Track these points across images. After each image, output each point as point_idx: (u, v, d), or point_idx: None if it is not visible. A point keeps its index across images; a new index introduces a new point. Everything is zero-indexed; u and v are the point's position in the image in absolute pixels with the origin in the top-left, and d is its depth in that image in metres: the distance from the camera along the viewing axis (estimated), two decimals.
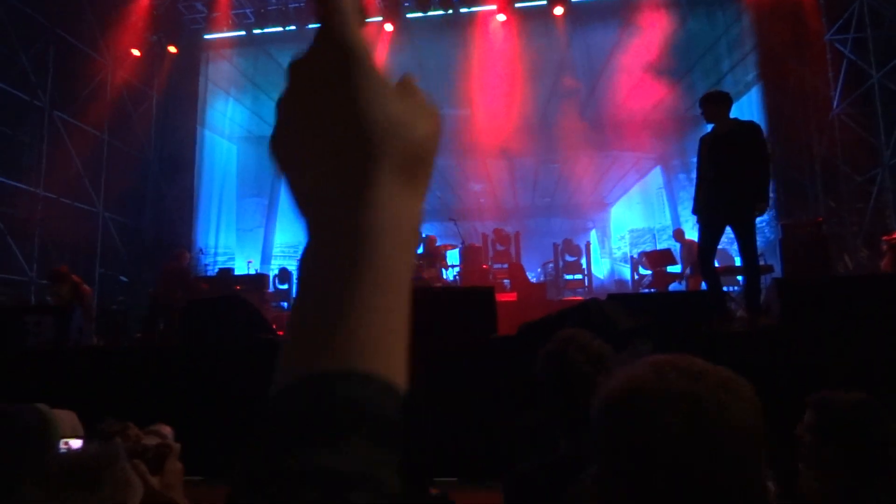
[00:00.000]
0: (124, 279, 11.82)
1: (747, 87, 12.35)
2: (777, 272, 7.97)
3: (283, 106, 0.42)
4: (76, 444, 1.56)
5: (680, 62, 12.29)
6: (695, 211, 5.50)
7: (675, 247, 10.51)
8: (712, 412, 0.78)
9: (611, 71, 12.65)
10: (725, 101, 5.30)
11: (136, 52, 11.94)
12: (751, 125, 5.34)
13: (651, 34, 12.13)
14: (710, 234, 5.28)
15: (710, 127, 5.56)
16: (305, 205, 0.40)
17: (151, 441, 1.69)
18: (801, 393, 1.86)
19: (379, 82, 0.40)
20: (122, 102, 12.39)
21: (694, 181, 5.71)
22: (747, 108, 12.40)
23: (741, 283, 9.16)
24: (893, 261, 7.47)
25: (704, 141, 5.45)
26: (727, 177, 5.05)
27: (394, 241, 0.37)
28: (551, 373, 1.65)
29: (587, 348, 1.63)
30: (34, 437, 1.55)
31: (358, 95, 0.38)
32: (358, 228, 0.36)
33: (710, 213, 5.21)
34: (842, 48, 11.02)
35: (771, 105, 11.96)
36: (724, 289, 8.85)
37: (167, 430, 1.85)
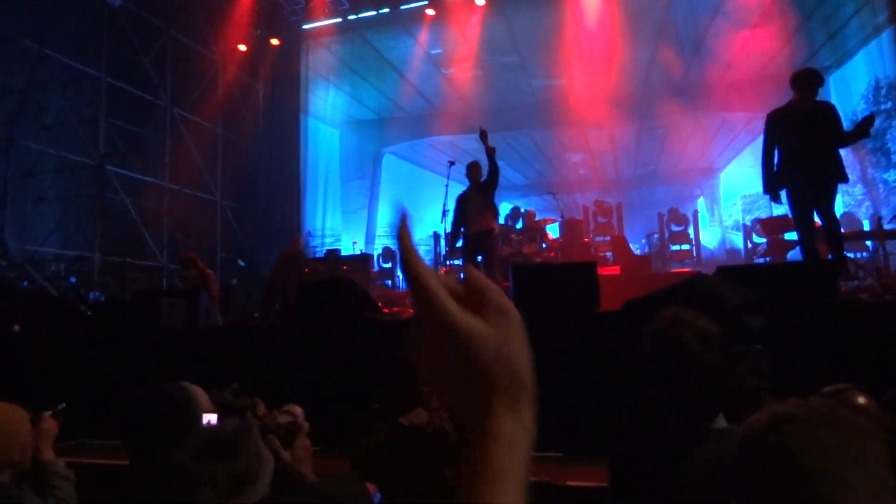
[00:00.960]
0: (242, 262, 12.64)
1: (876, 31, 11.18)
2: None
3: (412, 354, 0.51)
4: (213, 418, 1.74)
5: (795, 9, 11.33)
6: (769, 190, 5.42)
7: None
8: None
9: (716, 27, 11.87)
10: (820, 81, 5.32)
11: (242, 48, 12.61)
12: (830, 106, 5.39)
13: None
14: (803, 211, 5.30)
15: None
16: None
17: (284, 419, 1.85)
18: None
19: (476, 332, 0.48)
20: (231, 96, 13.18)
21: None
22: (877, 55, 11.25)
23: (871, 248, 8.46)
24: None
25: (781, 118, 5.39)
26: (814, 154, 5.15)
27: (512, 459, 0.47)
28: (657, 352, 1.63)
29: (694, 327, 1.60)
30: (183, 411, 1.75)
31: (469, 351, 0.48)
32: (486, 455, 0.47)
33: (800, 189, 5.25)
34: None
35: None
36: (851, 255, 8.23)
37: (298, 410, 2.01)
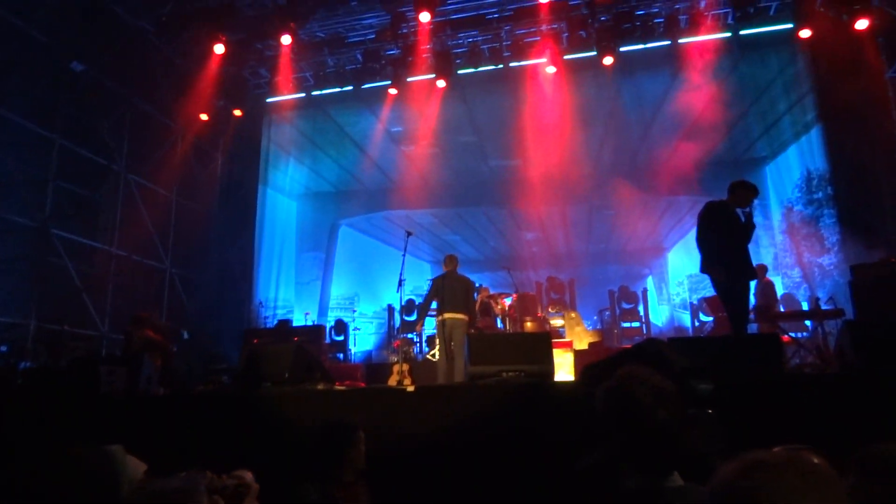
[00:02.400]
0: (186, 334, 12.23)
1: (806, 128, 12.07)
2: (849, 316, 7.58)
3: None
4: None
5: (734, 106, 12.16)
6: (710, 267, 6.02)
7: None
8: None
9: (663, 117, 12.61)
10: (756, 191, 6.19)
11: (204, 117, 12.67)
12: (751, 215, 6.21)
13: (703, 79, 12.08)
14: (731, 294, 5.97)
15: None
16: None
17: (231, 482, 1.76)
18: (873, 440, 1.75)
19: None
20: (189, 164, 13.13)
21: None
22: (807, 149, 12.09)
23: (810, 328, 8.76)
24: None
25: (721, 209, 6.15)
26: (737, 248, 5.98)
27: None
28: (613, 408, 1.63)
29: (647, 383, 1.62)
30: (102, 476, 1.61)
31: None
32: None
33: (733, 272, 5.91)
34: None
35: (832, 145, 11.62)
36: (793, 334, 8.51)
37: (248, 475, 1.92)
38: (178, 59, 12.44)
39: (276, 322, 12.15)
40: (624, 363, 2.15)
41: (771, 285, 9.74)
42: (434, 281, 7.98)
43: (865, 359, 3.72)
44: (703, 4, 11.05)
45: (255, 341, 8.63)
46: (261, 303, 13.36)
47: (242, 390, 4.68)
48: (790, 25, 11.31)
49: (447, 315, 7.55)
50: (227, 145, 14.22)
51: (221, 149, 14.20)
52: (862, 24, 10.03)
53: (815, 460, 1.67)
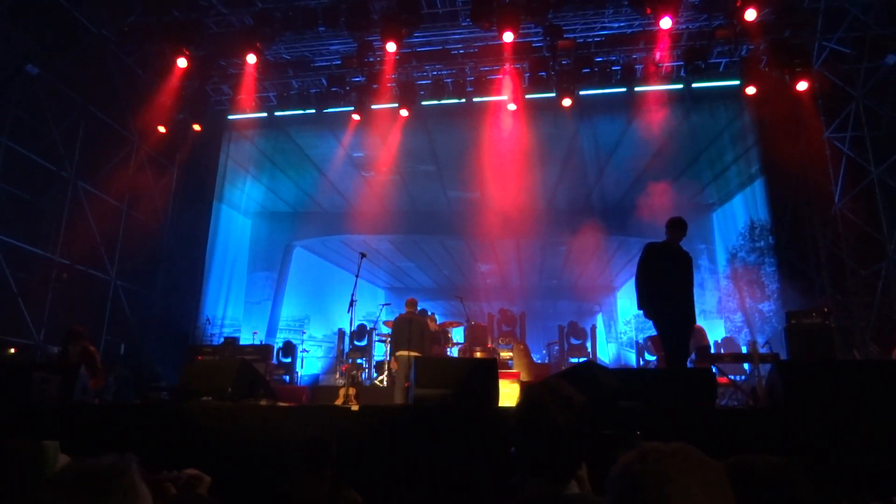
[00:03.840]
0: (122, 348, 11.85)
1: (751, 179, 12.68)
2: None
3: None
4: None
5: (685, 152, 12.70)
6: (645, 304, 6.35)
7: None
8: None
9: (617, 159, 13.06)
10: (686, 228, 6.49)
11: (162, 129, 12.48)
12: (689, 257, 6.58)
13: (656, 126, 12.60)
14: (669, 327, 6.25)
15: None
16: None
17: (184, 474, 1.77)
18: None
19: None
20: (143, 176, 12.85)
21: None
22: (751, 199, 12.68)
23: (747, 370, 9.06)
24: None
25: (658, 249, 6.51)
26: (677, 286, 6.21)
27: None
28: (520, 415, 1.70)
29: (555, 392, 1.68)
30: (23, 462, 1.60)
31: None
32: None
33: (664, 310, 6.20)
34: (840, 146, 11.37)
35: (774, 197, 12.23)
36: (731, 377, 8.78)
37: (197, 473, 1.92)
38: (140, 69, 12.30)
39: (222, 340, 11.88)
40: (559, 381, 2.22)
41: (700, 331, 10.04)
42: (399, 322, 8.56)
43: (793, 396, 3.90)
44: (657, 56, 11.57)
45: (199, 357, 8.42)
46: (208, 320, 13.06)
47: (182, 403, 4.57)
48: (738, 82, 11.93)
49: (412, 352, 7.96)
50: (183, 159, 13.99)
51: (177, 162, 13.97)
52: (802, 86, 10.67)
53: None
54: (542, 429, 1.62)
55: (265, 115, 13.85)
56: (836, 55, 11.12)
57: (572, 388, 1.72)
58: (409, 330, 8.20)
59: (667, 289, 6.17)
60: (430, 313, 11.13)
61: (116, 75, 11.85)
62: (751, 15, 9.53)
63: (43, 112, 10.57)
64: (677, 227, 6.44)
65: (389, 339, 10.01)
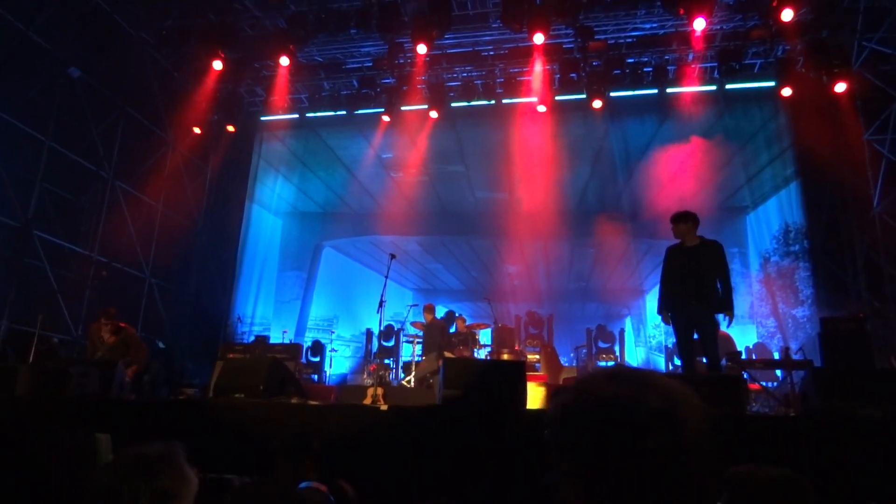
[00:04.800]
0: (161, 344, 12.10)
1: (786, 182, 12.43)
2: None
3: None
4: None
5: (718, 154, 12.51)
6: (661, 310, 6.33)
7: None
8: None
9: (648, 161, 12.91)
10: (693, 219, 6.28)
11: (196, 130, 12.75)
12: (714, 244, 6.24)
13: (689, 128, 12.44)
14: (683, 332, 6.16)
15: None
16: None
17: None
18: (829, 483, 1.85)
19: None
20: (178, 175, 13.15)
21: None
22: (786, 202, 12.42)
23: (780, 377, 8.90)
24: None
25: (670, 252, 6.41)
26: (694, 286, 6.02)
27: None
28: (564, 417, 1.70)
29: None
30: (81, 452, 1.70)
31: None
32: None
33: (680, 314, 6.13)
34: (880, 148, 11.09)
35: (810, 200, 11.97)
36: (763, 384, 8.63)
37: None
38: (176, 71, 12.58)
39: (252, 338, 12.07)
40: None
41: (727, 338, 9.86)
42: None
43: (827, 401, 3.84)
44: (690, 57, 11.43)
45: (231, 355, 8.58)
46: (239, 318, 13.30)
47: (215, 399, 4.68)
48: (773, 83, 11.71)
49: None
50: (217, 160, 14.27)
51: (211, 163, 14.25)
52: (841, 87, 10.44)
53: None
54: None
55: (297, 116, 14.04)
56: (877, 55, 10.83)
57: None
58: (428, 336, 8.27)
59: (680, 291, 6.09)
60: (458, 315, 11.17)
61: (153, 77, 12.14)
62: (787, 15, 9.36)
63: (83, 113, 10.88)
64: (673, 222, 6.33)
65: (418, 339, 10.11)
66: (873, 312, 10.70)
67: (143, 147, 12.32)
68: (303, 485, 2.83)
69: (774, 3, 9.32)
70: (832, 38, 10.60)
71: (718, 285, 6.15)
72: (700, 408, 0.98)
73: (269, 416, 4.10)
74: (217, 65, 11.42)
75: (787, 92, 11.26)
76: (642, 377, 1.00)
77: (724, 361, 9.07)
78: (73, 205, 11.38)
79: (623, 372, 1.02)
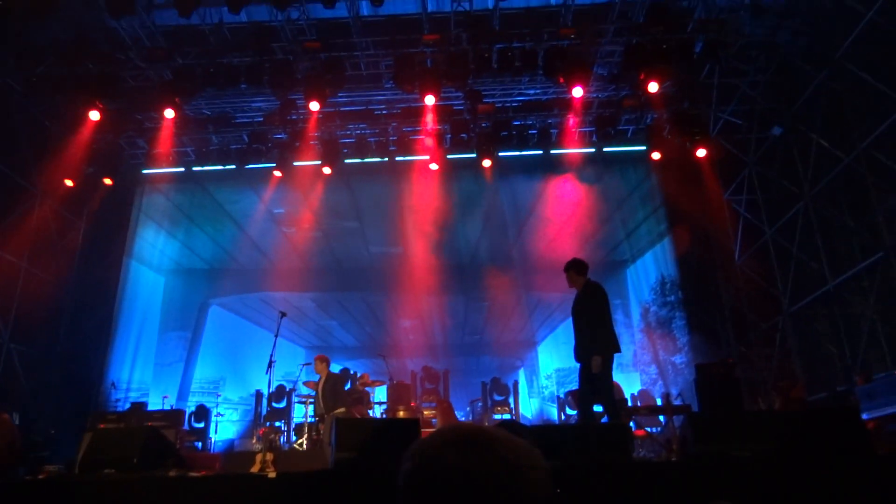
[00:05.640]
0: (16, 418, 10.86)
1: (661, 237, 13.42)
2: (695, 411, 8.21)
3: None
4: None
5: (599, 211, 13.32)
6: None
7: None
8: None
9: (535, 218, 13.54)
10: (573, 267, 6.64)
11: (69, 183, 11.90)
12: (586, 286, 6.58)
13: (571, 186, 13.22)
14: (579, 378, 6.35)
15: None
16: None
17: None
18: None
19: None
20: (46, 230, 12.12)
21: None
22: (661, 255, 13.39)
23: (663, 422, 9.36)
24: (783, 403, 8.48)
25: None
26: (576, 331, 6.41)
27: None
28: None
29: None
30: None
31: None
32: None
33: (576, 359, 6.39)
34: (738, 207, 12.30)
35: (680, 254, 12.96)
36: (648, 429, 9.04)
37: None
38: (47, 121, 11.78)
39: (128, 405, 11.12)
40: None
41: (615, 386, 10.33)
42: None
43: (703, 446, 4.08)
44: (570, 122, 12.24)
45: (102, 425, 7.85)
46: (113, 384, 12.22)
47: (80, 476, 4.23)
48: (644, 147, 12.75)
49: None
50: (91, 214, 13.29)
51: (85, 217, 13.26)
52: (701, 153, 11.55)
53: None
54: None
55: (182, 169, 13.49)
56: (730, 126, 12.14)
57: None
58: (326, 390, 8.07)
59: (575, 338, 6.45)
60: (352, 372, 10.93)
61: (21, 126, 11.29)
62: (653, 87, 10.29)
63: None
64: (566, 267, 6.71)
65: (310, 400, 9.73)
66: (741, 357, 11.61)
67: (6, 200, 11.30)
68: None
69: (642, 76, 10.23)
70: (692, 109, 11.77)
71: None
72: (545, 468, 1.00)
73: (144, 492, 3.76)
74: (94, 115, 10.80)
75: (656, 156, 12.29)
76: (485, 441, 1.00)
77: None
78: None
79: (463, 437, 1.02)
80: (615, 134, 12.46)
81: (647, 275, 13.53)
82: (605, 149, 13.09)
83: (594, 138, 12.79)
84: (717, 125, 12.24)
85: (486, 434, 1.04)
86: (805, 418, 5.00)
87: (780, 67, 10.92)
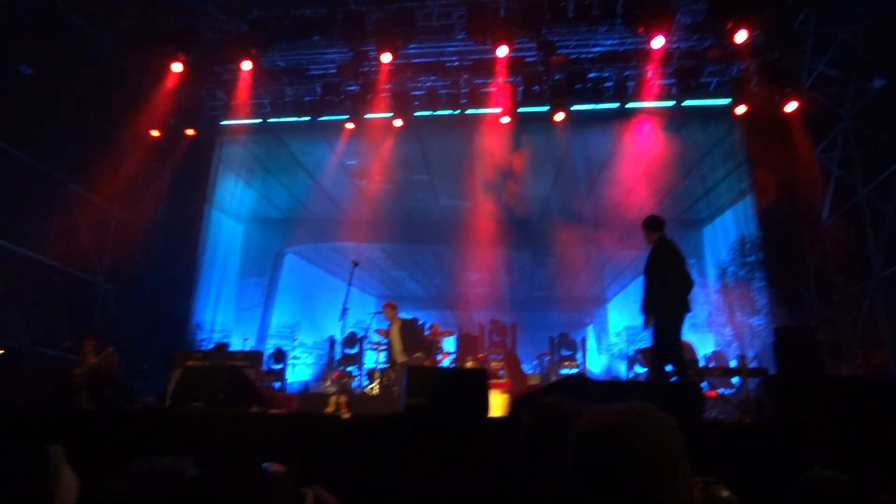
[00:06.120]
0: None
1: (742, 195, 12.81)
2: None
3: None
4: None
5: (676, 168, 12.82)
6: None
7: None
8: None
9: (609, 173, 13.16)
10: (647, 224, 6.64)
11: (154, 133, 12.46)
12: (657, 243, 6.50)
13: (648, 141, 12.73)
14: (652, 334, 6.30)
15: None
16: None
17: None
18: (785, 483, 1.91)
19: None
20: (135, 178, 12.79)
21: None
22: (742, 214, 12.81)
23: (736, 384, 9.14)
24: (867, 370, 8.14)
25: None
26: (646, 288, 6.35)
27: None
28: (539, 425, 1.73)
29: (572, 403, 1.73)
30: (32, 465, 1.65)
31: None
32: None
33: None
34: (829, 165, 11.53)
35: (763, 214, 12.35)
36: (720, 391, 8.85)
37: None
38: (134, 73, 12.26)
39: (212, 345, 11.81)
40: (550, 394, 2.27)
41: (687, 346, 10.09)
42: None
43: (780, 411, 3.95)
44: (649, 74, 11.71)
45: (189, 363, 8.38)
46: (198, 325, 13.00)
47: (172, 408, 4.56)
48: (728, 101, 12.08)
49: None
50: (175, 163, 13.93)
51: (169, 166, 13.91)
52: (791, 107, 10.83)
53: (725, 493, 1.84)
54: (558, 435, 1.68)
55: (259, 121, 13.84)
56: (825, 77, 11.29)
57: (578, 403, 1.77)
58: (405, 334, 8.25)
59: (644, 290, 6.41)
60: (425, 323, 11.14)
61: (110, 78, 11.83)
62: (741, 36, 9.67)
63: (35, 112, 10.52)
64: (643, 224, 6.68)
65: (381, 347, 10.03)
66: (824, 321, 11.09)
67: (97, 149, 11.95)
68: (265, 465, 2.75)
69: (729, 25, 9.62)
70: (783, 60, 11.00)
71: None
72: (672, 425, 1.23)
73: (229, 426, 4.01)
74: (176, 67, 11.20)
75: (741, 110, 11.63)
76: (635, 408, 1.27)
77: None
78: (24, 207, 10.97)
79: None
80: (697, 86, 11.82)
81: (725, 234, 13.00)
82: (685, 102, 12.49)
83: (674, 91, 12.20)
84: (809, 77, 11.41)
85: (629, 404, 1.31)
86: (889, 386, 4.75)
87: (884, 14, 10.00)
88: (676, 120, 12.78)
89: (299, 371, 12.38)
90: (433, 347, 10.01)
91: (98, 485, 2.01)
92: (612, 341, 13.29)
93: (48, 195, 11.16)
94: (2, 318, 9.88)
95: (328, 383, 10.90)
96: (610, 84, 12.15)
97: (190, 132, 13.15)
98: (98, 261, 11.97)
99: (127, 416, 4.90)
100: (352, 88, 12.60)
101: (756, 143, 12.24)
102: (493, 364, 10.49)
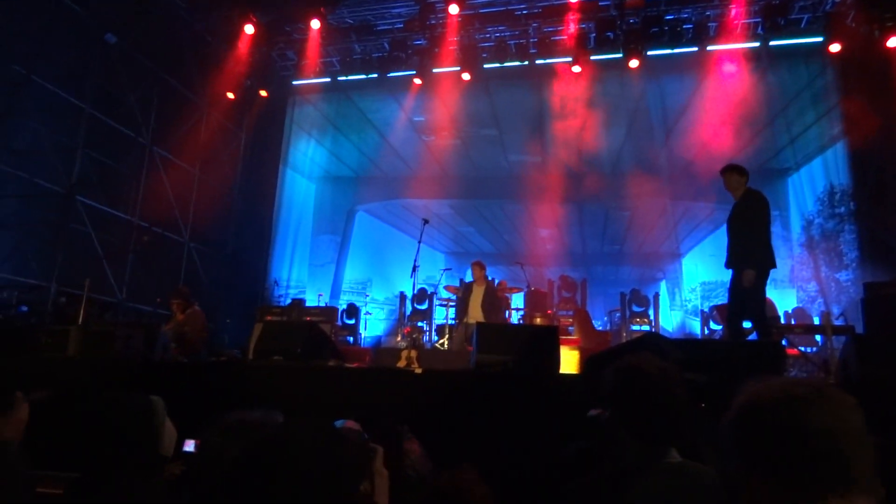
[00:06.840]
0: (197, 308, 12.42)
1: (833, 141, 11.96)
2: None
3: None
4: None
5: (760, 114, 12.08)
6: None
7: None
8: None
9: (686, 122, 12.56)
10: (729, 171, 6.13)
11: (230, 96, 12.84)
12: (747, 195, 5.99)
13: (729, 86, 12.03)
14: (729, 292, 6.03)
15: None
16: None
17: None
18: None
19: None
20: (213, 140, 13.29)
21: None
22: (832, 162, 11.99)
23: (819, 342, 8.74)
24: None
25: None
26: (731, 240, 5.97)
27: None
28: (623, 384, 1.74)
29: (656, 365, 1.73)
30: (140, 414, 1.81)
31: None
32: None
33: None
34: None
35: (856, 161, 11.53)
36: (802, 349, 8.48)
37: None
38: (208, 36, 12.60)
39: (289, 301, 12.30)
40: (626, 352, 2.25)
41: (768, 303, 9.68)
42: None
43: (868, 371, 3.76)
44: (733, 13, 10.98)
45: (269, 318, 8.78)
46: (275, 281, 13.57)
47: (255, 361, 4.82)
48: (820, 39, 11.20)
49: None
50: (250, 124, 14.38)
51: (245, 127, 14.37)
52: (893, 42, 9.93)
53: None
54: (652, 399, 1.69)
55: (328, 79, 14.00)
56: None
57: (663, 361, 1.77)
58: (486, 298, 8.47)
59: (728, 248, 6.08)
60: (495, 279, 11.18)
61: (186, 43, 12.20)
62: None
63: (120, 80, 11.03)
64: (724, 170, 6.22)
65: (451, 303, 10.15)
66: None
67: (178, 113, 12.46)
68: (338, 423, 2.86)
69: None
70: None
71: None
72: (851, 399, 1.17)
73: (307, 378, 4.21)
74: (248, 28, 11.43)
75: (835, 48, 10.78)
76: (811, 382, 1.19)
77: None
78: (114, 171, 11.63)
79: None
80: (786, 24, 11.00)
81: (812, 184, 12.22)
82: (772, 42, 11.66)
83: (760, 31, 11.42)
84: None
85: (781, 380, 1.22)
86: None
87: None
88: (762, 62, 11.98)
89: (371, 326, 12.75)
90: (502, 304, 10.05)
91: (189, 433, 2.18)
92: (686, 297, 12.91)
93: (135, 159, 11.76)
94: (99, 275, 10.61)
95: (399, 338, 11.19)
96: (689, 26, 11.50)
97: (263, 94, 13.47)
98: (183, 221, 12.60)
99: (213, 368, 5.21)
100: (419, 43, 12.49)
101: (851, 85, 11.35)
102: (563, 320, 10.45)
